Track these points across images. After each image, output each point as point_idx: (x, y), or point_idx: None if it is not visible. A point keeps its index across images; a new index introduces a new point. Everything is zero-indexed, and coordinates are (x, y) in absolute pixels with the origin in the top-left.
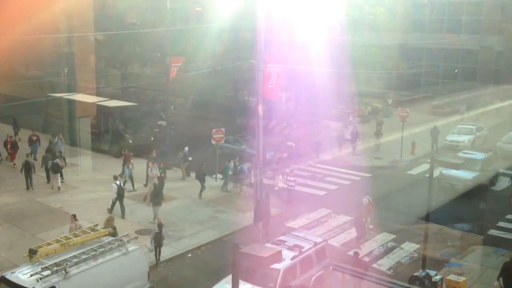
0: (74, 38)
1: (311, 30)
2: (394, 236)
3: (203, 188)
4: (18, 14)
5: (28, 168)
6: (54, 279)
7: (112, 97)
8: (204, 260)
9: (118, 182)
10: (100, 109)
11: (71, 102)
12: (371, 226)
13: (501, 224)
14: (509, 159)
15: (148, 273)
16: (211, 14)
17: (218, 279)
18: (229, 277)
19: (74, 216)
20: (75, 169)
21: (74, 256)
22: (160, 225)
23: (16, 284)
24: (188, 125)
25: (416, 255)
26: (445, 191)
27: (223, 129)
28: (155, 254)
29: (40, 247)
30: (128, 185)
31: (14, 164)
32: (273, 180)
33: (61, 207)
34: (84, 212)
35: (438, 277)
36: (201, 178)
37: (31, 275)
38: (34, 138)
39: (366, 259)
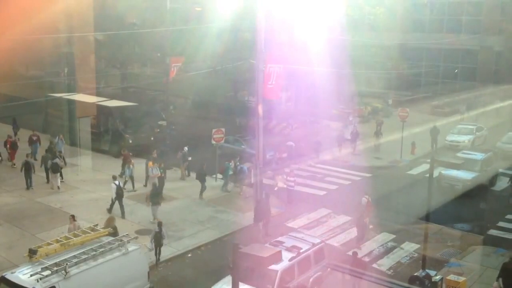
0: (74, 38)
1: (311, 30)
2: (394, 236)
3: (203, 188)
4: (18, 14)
5: (28, 168)
6: (54, 279)
7: (112, 97)
8: (204, 260)
9: (117, 182)
10: (100, 109)
11: (71, 102)
12: (371, 226)
13: (501, 224)
14: (508, 159)
15: (148, 273)
16: (211, 14)
17: (218, 279)
18: (227, 278)
19: (73, 216)
20: (75, 169)
21: (74, 256)
22: (160, 224)
23: (16, 284)
24: (188, 125)
25: (416, 255)
26: (445, 191)
27: (223, 129)
28: (155, 254)
29: (40, 247)
30: (129, 185)
31: (14, 164)
32: (273, 180)
33: (61, 207)
34: (84, 212)
35: (438, 277)
36: (201, 178)
37: (31, 275)
38: (34, 138)
39: (366, 259)
